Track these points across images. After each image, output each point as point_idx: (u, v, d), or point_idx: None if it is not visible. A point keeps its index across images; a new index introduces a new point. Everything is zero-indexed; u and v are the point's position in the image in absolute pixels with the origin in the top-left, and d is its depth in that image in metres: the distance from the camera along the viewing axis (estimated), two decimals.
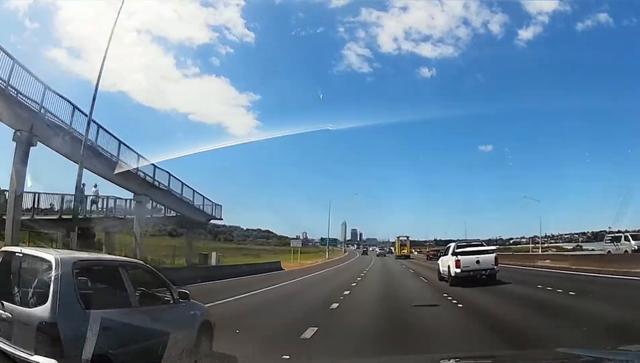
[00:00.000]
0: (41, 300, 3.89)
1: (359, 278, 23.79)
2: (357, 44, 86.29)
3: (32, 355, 3.72)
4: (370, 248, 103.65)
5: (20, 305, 3.98)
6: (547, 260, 30.07)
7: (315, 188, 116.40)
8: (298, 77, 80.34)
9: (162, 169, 26.91)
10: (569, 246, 65.58)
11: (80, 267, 4.31)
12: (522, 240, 79.43)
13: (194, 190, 32.73)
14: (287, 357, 6.22)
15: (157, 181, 26.90)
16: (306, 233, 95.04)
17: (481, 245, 19.60)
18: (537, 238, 66.81)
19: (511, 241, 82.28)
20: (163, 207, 31.37)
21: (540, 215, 64.87)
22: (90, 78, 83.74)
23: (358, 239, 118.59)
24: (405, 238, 69.59)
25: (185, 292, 5.77)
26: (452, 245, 18.87)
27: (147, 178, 26.08)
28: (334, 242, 78.41)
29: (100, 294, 4.56)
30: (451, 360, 3.96)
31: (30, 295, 4.05)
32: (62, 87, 61.09)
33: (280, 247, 70.00)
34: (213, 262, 32.47)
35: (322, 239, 76.91)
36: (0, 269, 4.38)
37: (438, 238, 79.19)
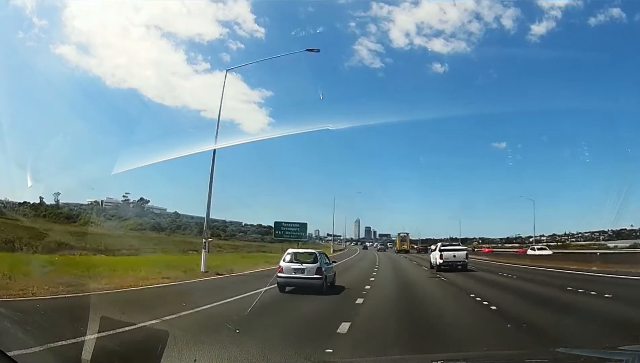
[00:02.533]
0: (315, 261, 14.34)
1: None
2: (368, 39, 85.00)
3: (314, 275, 14.04)
4: (369, 244, 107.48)
5: (309, 264, 14.31)
6: None
7: (326, 188, 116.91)
8: (309, 73, 78.45)
9: None
10: (627, 243, 54.47)
11: (319, 253, 14.93)
12: (543, 238, 76.99)
13: None
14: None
15: None
16: (319, 231, 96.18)
17: (458, 245, 29.95)
18: (556, 236, 66.81)
19: (531, 239, 76.97)
20: None
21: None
22: (99, 74, 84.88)
23: (372, 236, 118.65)
24: (405, 234, 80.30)
25: (334, 260, 16.63)
26: (439, 244, 29.11)
27: None
28: (299, 231, 45.79)
29: (325, 259, 15.21)
30: (451, 361, 4.32)
31: (311, 260, 14.45)
32: (72, 83, 63.32)
33: (273, 245, 60.52)
34: None
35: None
36: (296, 255, 14.86)
37: (453, 236, 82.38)
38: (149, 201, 69.49)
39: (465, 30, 77.76)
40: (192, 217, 69.92)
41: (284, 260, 14.62)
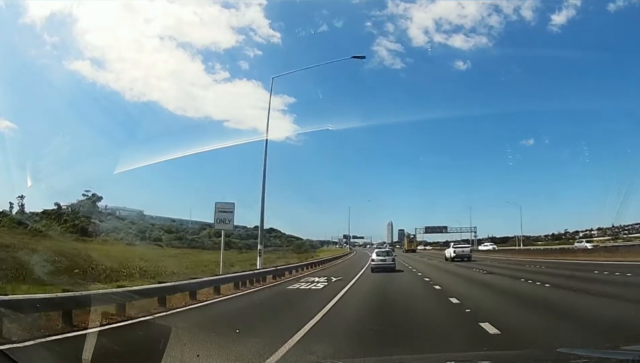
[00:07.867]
0: (389, 254, 26.64)
1: None
2: (386, 39, 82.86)
3: (391, 262, 25.59)
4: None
5: (387, 256, 26.06)
6: None
7: (350, 192, 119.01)
8: (331, 76, 79.60)
9: None
10: None
11: (390, 249, 27.73)
12: (593, 233, 74.79)
13: None
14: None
15: None
16: (350, 236, 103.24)
17: (465, 243, 41.42)
18: (606, 230, 64.78)
19: (580, 234, 75.82)
20: None
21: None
22: (117, 89, 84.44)
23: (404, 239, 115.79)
24: (413, 236, 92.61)
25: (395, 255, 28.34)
26: (452, 243, 40.57)
27: None
28: None
29: (393, 253, 27.41)
30: (451, 361, 4.34)
31: (387, 253, 26.34)
32: (91, 99, 63.92)
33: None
34: None
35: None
36: (379, 252, 26.62)
37: (492, 235, 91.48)
38: (101, 197, 53.22)
39: (485, 24, 76.73)
40: (174, 220, 61.92)
41: (373, 255, 26.10)
